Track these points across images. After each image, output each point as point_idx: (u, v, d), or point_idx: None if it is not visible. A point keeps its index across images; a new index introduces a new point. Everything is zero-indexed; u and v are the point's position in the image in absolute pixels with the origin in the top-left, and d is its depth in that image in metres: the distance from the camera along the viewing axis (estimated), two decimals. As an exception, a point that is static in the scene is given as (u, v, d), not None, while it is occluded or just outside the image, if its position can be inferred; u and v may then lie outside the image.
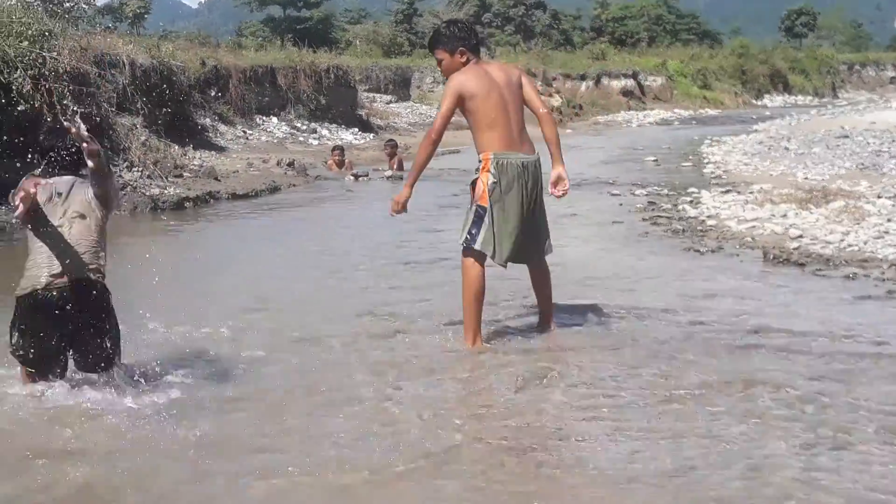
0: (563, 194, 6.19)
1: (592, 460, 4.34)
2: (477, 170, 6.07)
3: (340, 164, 17.66)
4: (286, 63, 23.77)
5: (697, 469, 4.23)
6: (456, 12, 61.93)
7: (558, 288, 6.79)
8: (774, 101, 55.82)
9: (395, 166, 17.71)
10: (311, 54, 26.20)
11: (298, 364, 5.84)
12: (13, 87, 11.92)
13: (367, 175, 17.00)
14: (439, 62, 6.29)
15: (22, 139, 12.01)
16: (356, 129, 24.84)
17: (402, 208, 6.37)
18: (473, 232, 5.99)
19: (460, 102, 6.06)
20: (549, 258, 6.49)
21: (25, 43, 12.45)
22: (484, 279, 6.04)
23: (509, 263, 6.18)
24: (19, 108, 11.96)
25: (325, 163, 18.17)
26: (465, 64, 6.14)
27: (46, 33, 13.08)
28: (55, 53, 12.98)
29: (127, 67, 15.59)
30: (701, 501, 3.94)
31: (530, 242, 6.16)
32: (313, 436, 4.67)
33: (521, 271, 6.57)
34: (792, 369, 5.65)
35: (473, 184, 6.07)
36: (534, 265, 6.37)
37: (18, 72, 12.06)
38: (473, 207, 6.03)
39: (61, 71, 12.90)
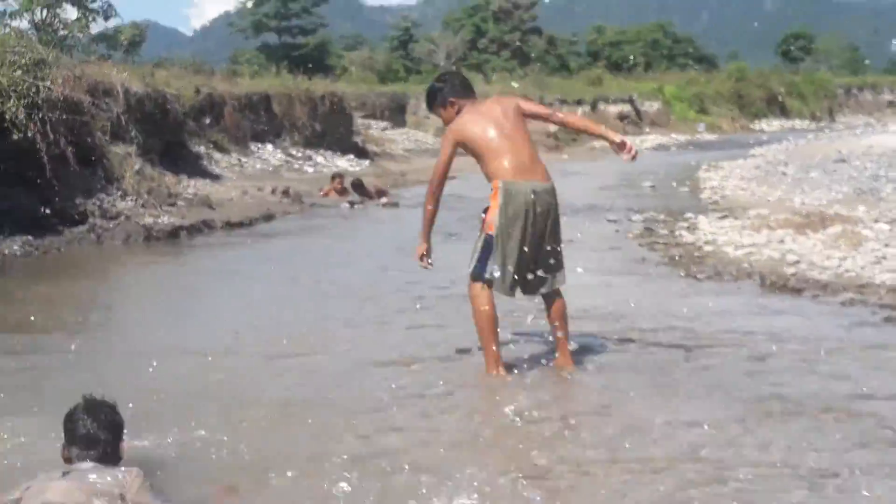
0: (634, 156, 6.25)
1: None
2: (488, 197, 6.01)
3: (342, 192, 17.49)
4: (281, 90, 23.77)
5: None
6: (451, 38, 62.07)
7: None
8: (771, 125, 55.88)
9: (381, 193, 17.54)
10: (306, 81, 26.20)
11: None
12: (6, 117, 11.87)
13: (362, 202, 16.92)
14: (441, 118, 6.30)
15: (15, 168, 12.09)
16: (352, 156, 24.79)
17: (427, 263, 6.42)
18: (482, 260, 5.91)
19: (461, 147, 6.08)
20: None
21: (19, 72, 12.40)
22: (494, 306, 5.96)
23: (519, 294, 6.09)
24: (13, 138, 11.89)
25: (320, 190, 18.07)
26: (459, 112, 6.10)
27: (40, 62, 13.02)
28: (49, 82, 12.91)
29: (121, 95, 15.53)
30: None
31: (538, 273, 6.05)
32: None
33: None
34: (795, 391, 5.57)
35: (485, 211, 6.01)
36: (547, 297, 6.23)
37: (12, 101, 12.00)
38: (482, 236, 5.96)
39: (55, 100, 12.83)
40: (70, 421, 4.19)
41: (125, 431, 4.27)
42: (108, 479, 4.00)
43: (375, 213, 16.29)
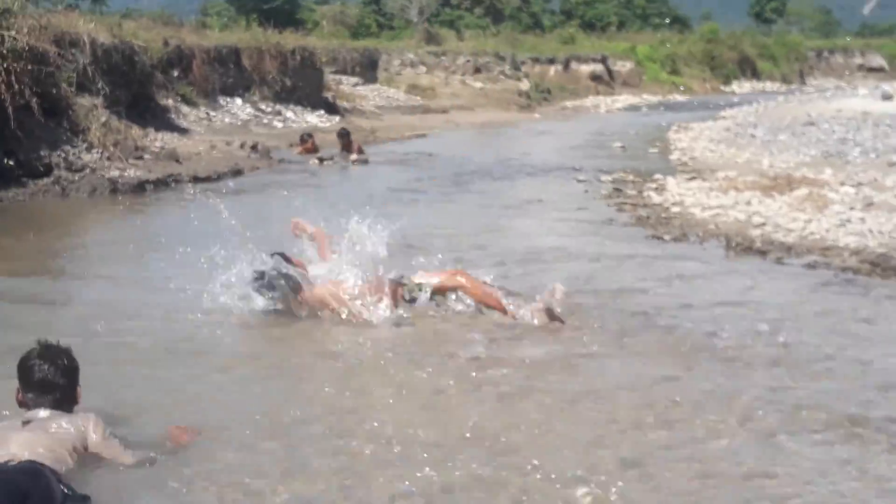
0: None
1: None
2: None
3: (312, 151, 17.34)
4: (251, 43, 23.50)
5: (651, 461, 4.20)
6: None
7: (521, 270, 6.70)
8: (743, 87, 55.99)
9: (356, 151, 17.46)
10: (276, 35, 25.88)
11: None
12: (-30, 67, 11.69)
13: (332, 158, 16.82)
14: None
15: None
16: (322, 112, 24.60)
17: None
18: None
19: None
20: (513, 245, 6.43)
21: (-17, 22, 12.20)
22: None
23: None
24: (-24, 88, 11.72)
25: (292, 147, 17.95)
26: None
27: (5, 11, 12.80)
28: (14, 32, 12.70)
29: (88, 47, 15.30)
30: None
31: None
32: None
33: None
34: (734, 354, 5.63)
35: None
36: None
37: (-25, 51, 11.82)
38: None
39: (20, 49, 12.62)
40: (25, 366, 4.18)
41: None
42: (69, 427, 4.02)
43: (345, 169, 16.21)
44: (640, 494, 3.92)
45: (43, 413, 4.08)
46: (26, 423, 4.01)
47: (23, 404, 4.15)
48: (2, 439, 3.88)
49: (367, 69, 32.91)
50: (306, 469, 4.13)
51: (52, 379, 4.15)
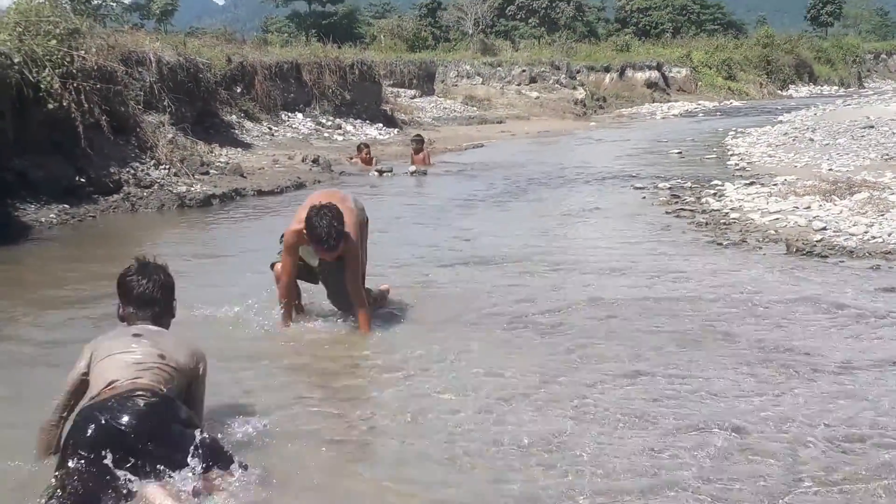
0: None
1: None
2: None
3: (368, 162, 17.69)
4: (311, 59, 23.88)
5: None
6: (480, 5, 61.86)
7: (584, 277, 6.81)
8: (800, 91, 55.46)
9: (421, 161, 17.85)
10: (335, 49, 26.33)
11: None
12: (41, 86, 12.05)
13: (391, 170, 17.08)
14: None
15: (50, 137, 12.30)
16: (380, 125, 24.93)
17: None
18: None
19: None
20: (570, 252, 6.49)
21: (53, 41, 12.58)
22: None
23: None
24: (48, 107, 12.08)
25: (350, 160, 18.26)
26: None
27: (74, 32, 13.20)
28: (83, 52, 13.10)
29: (154, 65, 15.75)
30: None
31: None
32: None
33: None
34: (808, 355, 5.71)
35: None
36: None
37: (47, 70, 12.18)
38: None
39: (89, 69, 13.02)
40: (124, 282, 4.44)
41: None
42: (185, 351, 4.29)
43: (403, 181, 16.43)
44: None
45: (153, 328, 4.34)
46: (137, 335, 4.25)
47: (124, 318, 4.42)
48: (119, 350, 4.12)
49: (425, 81, 33.21)
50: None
51: (150, 293, 4.40)
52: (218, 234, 11.38)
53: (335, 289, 6.61)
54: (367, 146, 18.41)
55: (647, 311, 7.00)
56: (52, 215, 11.45)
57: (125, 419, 3.79)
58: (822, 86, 58.79)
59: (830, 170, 14.84)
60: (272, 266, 6.72)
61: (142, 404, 3.87)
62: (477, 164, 18.66)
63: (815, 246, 9.25)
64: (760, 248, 9.44)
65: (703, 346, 6.11)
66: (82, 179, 12.50)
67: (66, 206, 11.83)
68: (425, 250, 9.66)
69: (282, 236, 6.52)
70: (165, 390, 4.01)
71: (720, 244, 9.65)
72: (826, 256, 8.87)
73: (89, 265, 8.93)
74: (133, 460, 3.76)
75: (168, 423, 3.90)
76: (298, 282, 6.67)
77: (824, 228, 10.00)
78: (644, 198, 13.42)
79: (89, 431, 3.76)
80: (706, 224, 10.87)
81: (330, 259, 6.30)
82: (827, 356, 5.83)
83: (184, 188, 13.42)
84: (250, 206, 13.25)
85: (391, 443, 4.63)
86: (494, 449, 4.49)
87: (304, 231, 6.10)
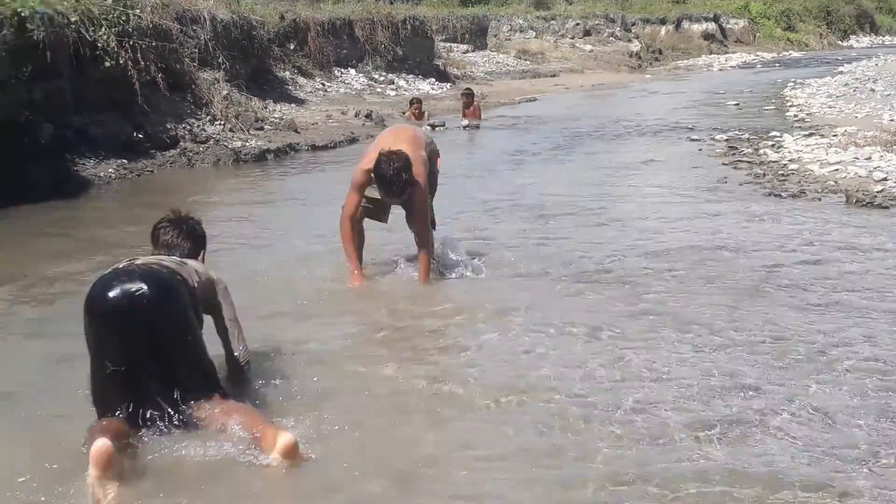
0: None
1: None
2: None
3: (419, 117, 17.67)
4: (363, 15, 23.78)
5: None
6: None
7: (637, 233, 6.80)
8: (861, 41, 54.27)
9: (473, 115, 17.78)
10: (387, 6, 26.16)
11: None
12: (98, 45, 12.16)
13: (443, 125, 17.05)
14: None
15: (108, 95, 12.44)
16: (433, 79, 24.82)
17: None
18: None
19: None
20: (625, 206, 6.45)
21: (109, 1, 12.67)
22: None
23: None
24: (105, 65, 12.20)
25: (404, 114, 18.25)
26: None
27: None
28: (138, 10, 13.20)
29: (208, 23, 15.78)
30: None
31: None
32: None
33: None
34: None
35: None
36: None
37: (103, 29, 12.27)
38: None
39: (144, 27, 13.12)
40: (155, 230, 4.60)
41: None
42: (198, 266, 4.39)
43: (455, 135, 16.39)
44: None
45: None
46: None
47: None
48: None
49: (477, 36, 32.93)
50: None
51: (176, 241, 4.52)
52: (274, 187, 11.46)
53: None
54: (418, 101, 18.36)
55: (709, 260, 6.97)
56: (110, 170, 11.60)
57: (128, 283, 3.90)
58: (883, 36, 57.46)
59: (892, 120, 14.57)
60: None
61: (143, 269, 4.00)
62: (530, 118, 18.55)
63: (875, 196, 9.10)
64: (820, 198, 9.31)
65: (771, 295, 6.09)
66: (140, 135, 12.64)
67: (124, 161, 11.97)
68: (478, 204, 9.65)
69: None
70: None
71: (779, 195, 9.54)
72: (887, 207, 8.73)
73: (148, 213, 9.08)
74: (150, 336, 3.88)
75: (174, 292, 4.01)
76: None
77: (885, 179, 9.83)
78: (700, 150, 13.28)
79: (101, 293, 3.90)
80: (764, 175, 10.73)
81: (397, 203, 6.40)
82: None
83: (239, 143, 13.52)
84: (304, 161, 13.32)
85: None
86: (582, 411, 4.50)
87: (373, 173, 6.14)
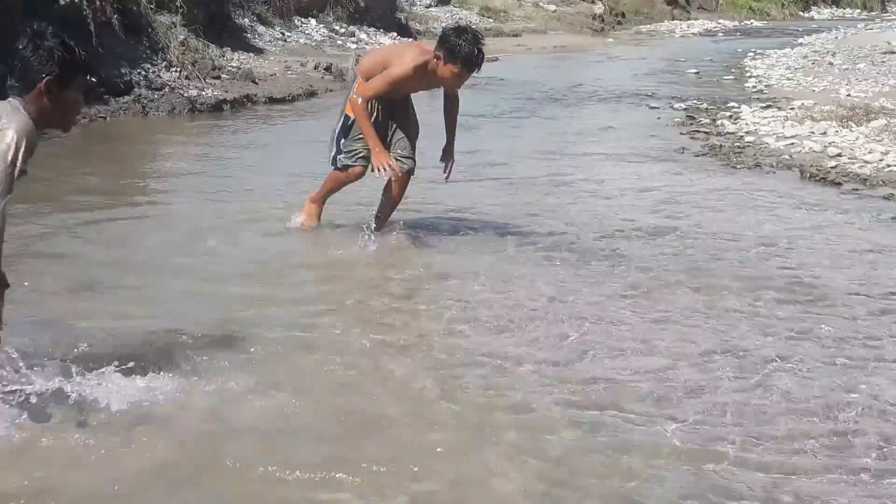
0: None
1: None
2: None
3: (380, 71, 17.50)
4: (326, -37, 23.50)
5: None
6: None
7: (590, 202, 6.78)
8: (822, 13, 54.48)
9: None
10: (351, -46, 25.83)
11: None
12: (52, -18, 11.90)
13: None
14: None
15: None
16: (394, 34, 24.58)
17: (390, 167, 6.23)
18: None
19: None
20: (581, 173, 6.46)
21: (66, -62, 12.37)
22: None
23: None
24: (59, 3, 11.92)
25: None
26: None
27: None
28: (96, -52, 12.90)
29: (166, -36, 15.46)
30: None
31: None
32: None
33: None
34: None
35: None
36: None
37: (58, -33, 12.01)
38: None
39: (101, -34, 12.84)
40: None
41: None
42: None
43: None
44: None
45: None
46: None
47: None
48: None
49: (441, -10, 32.67)
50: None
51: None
52: (230, 141, 11.30)
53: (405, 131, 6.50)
54: (380, 55, 18.20)
55: (656, 236, 6.98)
56: (61, 115, 11.36)
57: None
58: (844, 9, 57.78)
59: (849, 95, 14.68)
60: (344, 168, 6.38)
61: None
62: (491, 79, 18.40)
63: (828, 172, 9.18)
64: (774, 172, 9.38)
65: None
66: (93, 79, 12.38)
67: (75, 106, 11.74)
68: (437, 166, 9.57)
69: (339, 134, 6.35)
70: None
71: (734, 167, 9.60)
72: (840, 184, 8.81)
73: (99, 163, 8.95)
74: None
75: None
76: None
77: (839, 155, 9.91)
78: (659, 118, 13.30)
79: None
80: (720, 147, 10.77)
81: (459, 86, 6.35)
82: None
83: (195, 92, 13.28)
84: (261, 114, 13.16)
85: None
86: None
87: (440, 58, 6.00)
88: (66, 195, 7.57)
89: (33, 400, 3.63)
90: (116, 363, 3.87)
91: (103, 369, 3.84)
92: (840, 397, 4.20)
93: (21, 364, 3.67)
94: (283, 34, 20.25)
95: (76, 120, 3.81)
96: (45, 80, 3.42)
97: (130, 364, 3.90)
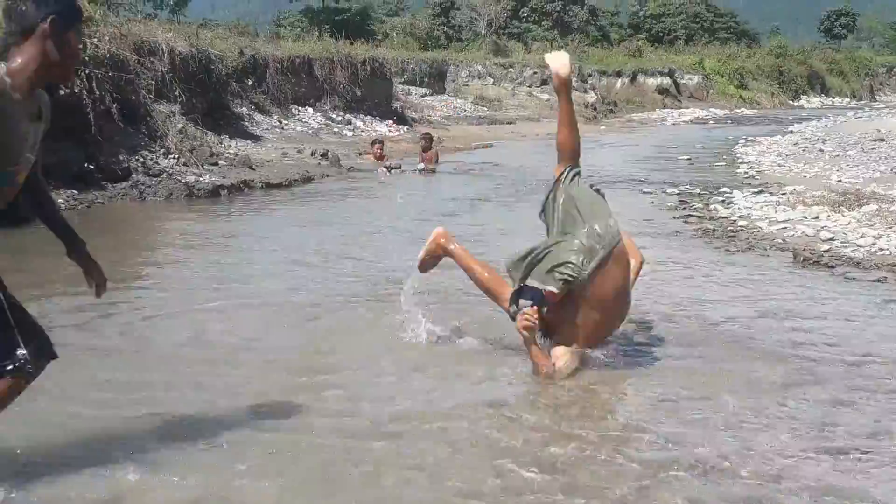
0: None
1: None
2: None
3: (380, 158, 17.68)
4: (323, 54, 23.92)
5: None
6: (493, 6, 61.85)
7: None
8: (811, 102, 55.42)
9: (430, 159, 17.84)
10: (348, 46, 26.34)
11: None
12: (54, 72, 12.06)
13: (399, 167, 17.10)
14: None
15: (61, 123, 12.32)
16: (391, 122, 24.95)
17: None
18: None
19: None
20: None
21: (67, 29, 12.59)
22: None
23: None
24: (60, 93, 12.10)
25: (360, 155, 18.26)
26: None
27: (87, 19, 13.21)
28: (96, 39, 13.15)
29: (166, 55, 15.76)
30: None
31: None
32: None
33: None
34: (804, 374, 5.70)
35: None
36: None
37: (59, 57, 12.19)
38: None
39: (101, 57, 13.06)
40: None
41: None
42: None
43: (411, 178, 16.43)
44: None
45: None
46: None
47: None
48: None
49: (436, 80, 33.25)
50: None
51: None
52: (226, 228, 11.36)
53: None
54: (380, 142, 18.44)
55: (652, 312, 7.00)
56: (60, 200, 11.42)
57: None
58: (833, 98, 58.76)
59: (840, 181, 14.83)
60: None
61: None
62: (485, 165, 18.66)
63: (822, 256, 9.23)
64: (767, 255, 9.43)
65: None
66: (91, 166, 12.54)
67: (74, 191, 11.87)
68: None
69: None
70: None
71: (728, 251, 9.66)
72: (833, 266, 8.85)
73: (97, 248, 8.92)
74: None
75: None
76: None
77: (832, 239, 9.98)
78: (652, 202, 13.41)
79: None
80: (714, 231, 10.85)
81: None
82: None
83: (192, 178, 13.44)
84: (258, 199, 13.27)
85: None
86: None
87: None
88: (60, 281, 7.57)
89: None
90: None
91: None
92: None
93: None
94: (280, 122, 20.55)
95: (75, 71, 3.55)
96: (49, 19, 3.20)
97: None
